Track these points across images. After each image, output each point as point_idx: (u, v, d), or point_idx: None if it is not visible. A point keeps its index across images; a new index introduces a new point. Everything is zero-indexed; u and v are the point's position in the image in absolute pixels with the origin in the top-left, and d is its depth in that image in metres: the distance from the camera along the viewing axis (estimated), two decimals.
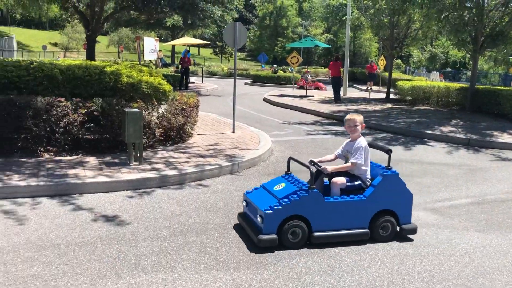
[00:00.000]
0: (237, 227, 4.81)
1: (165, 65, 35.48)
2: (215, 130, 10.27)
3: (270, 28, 66.94)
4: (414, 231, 4.70)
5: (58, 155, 7.05)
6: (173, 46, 40.24)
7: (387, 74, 22.12)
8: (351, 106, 16.93)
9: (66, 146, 7.18)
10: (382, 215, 4.58)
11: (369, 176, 4.76)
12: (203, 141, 8.81)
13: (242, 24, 10.28)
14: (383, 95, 20.90)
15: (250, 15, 79.18)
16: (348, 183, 4.67)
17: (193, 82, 26.15)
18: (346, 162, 4.81)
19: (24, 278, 3.56)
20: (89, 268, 3.77)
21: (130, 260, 3.94)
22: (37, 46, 54.95)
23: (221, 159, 7.36)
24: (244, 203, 4.85)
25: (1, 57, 24.16)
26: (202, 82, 27.40)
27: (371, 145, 4.99)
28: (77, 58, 45.21)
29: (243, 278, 3.71)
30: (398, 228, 4.69)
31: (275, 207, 4.29)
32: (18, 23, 69.88)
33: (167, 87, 8.55)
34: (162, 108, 8.34)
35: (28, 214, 4.93)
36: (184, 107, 8.62)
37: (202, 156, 7.46)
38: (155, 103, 8.11)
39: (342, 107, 16.37)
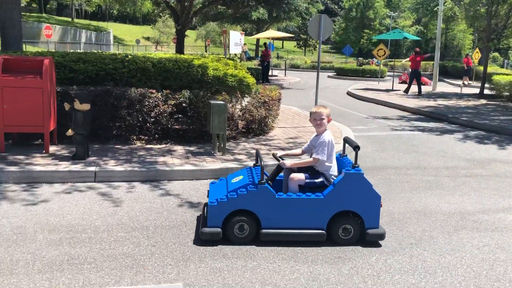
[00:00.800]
0: None
1: (249, 58, 36.05)
2: (296, 123, 10.30)
3: (356, 20, 65.35)
4: (380, 236, 4.28)
5: (149, 143, 7.48)
6: (257, 40, 40.73)
7: (481, 68, 20.71)
8: (440, 102, 16.11)
9: (156, 135, 7.60)
10: (344, 216, 4.24)
11: (334, 173, 4.49)
12: (284, 134, 8.87)
13: (327, 17, 10.18)
14: (477, 90, 19.62)
15: (336, 7, 77.85)
16: (308, 180, 4.42)
17: (276, 75, 26.33)
18: (311, 157, 4.54)
19: (116, 256, 3.85)
20: (174, 250, 3.99)
21: (212, 245, 4.11)
22: (131, 40, 58.34)
23: None
24: (207, 193, 4.75)
25: (100, 51, 25.89)
26: (285, 75, 27.51)
27: (344, 139, 4.74)
28: (167, 51, 47.33)
29: (320, 271, 3.72)
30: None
31: (220, 200, 4.18)
32: (114, 19, 74.67)
33: (251, 80, 8.72)
34: (245, 101, 8.52)
35: (121, 197, 5.32)
36: (267, 100, 8.74)
37: (282, 149, 7.53)
38: (239, 96, 8.31)
39: (431, 102, 15.62)
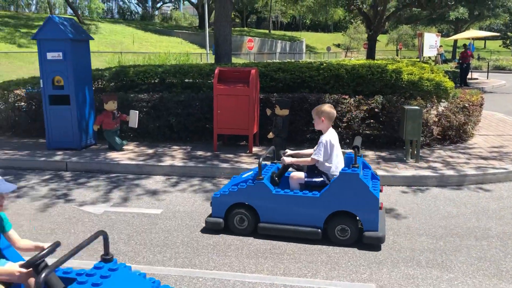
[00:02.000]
0: None
1: (445, 61, 33.69)
2: (500, 131, 9.33)
3: None
4: (378, 240, 4.11)
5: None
6: (455, 41, 37.77)
7: None
8: None
9: (347, 140, 7.78)
10: (341, 216, 4.19)
11: (336, 173, 4.32)
12: (486, 143, 8.14)
13: None
14: None
15: None
16: (307, 179, 4.46)
17: (476, 78, 24.07)
18: None
19: (313, 251, 4.13)
20: (366, 253, 4.09)
21: (405, 252, 4.08)
22: (322, 48, 60.04)
23: (507, 163, 6.69)
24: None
25: (293, 60, 27.25)
26: (487, 78, 24.93)
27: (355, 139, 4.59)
28: (357, 57, 47.34)
29: None
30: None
31: (223, 193, 4.48)
32: (307, 28, 77.84)
33: (449, 84, 8.25)
34: (442, 106, 8.09)
35: None
36: (466, 105, 8.14)
37: (484, 158, 6.94)
38: (435, 100, 7.94)
39: None
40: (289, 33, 63.56)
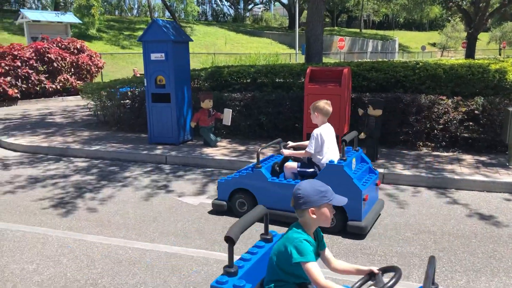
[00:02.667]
0: None
1: None
2: None
3: None
4: (361, 229, 4.34)
5: (435, 150, 7.41)
6: None
7: None
8: None
9: (443, 143, 7.47)
10: None
11: None
12: None
13: None
14: None
15: None
16: (299, 169, 4.75)
17: None
18: None
19: (404, 253, 4.05)
20: (462, 259, 3.93)
21: (507, 261, 3.87)
22: (416, 47, 57.62)
23: None
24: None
25: (385, 59, 26.54)
26: None
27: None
28: (454, 57, 44.83)
29: None
30: None
31: (227, 178, 4.98)
32: (400, 27, 75.07)
33: None
34: None
35: (408, 200, 5.50)
36: None
37: None
38: None
39: None
40: (381, 32, 61.75)
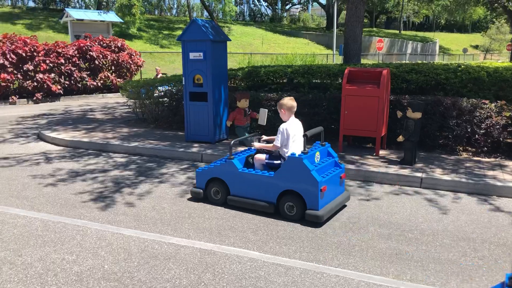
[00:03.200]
0: None
1: None
2: None
3: None
4: (317, 217, 4.64)
5: (476, 155, 7.19)
6: None
7: None
8: None
9: (485, 148, 7.24)
10: (290, 195, 4.81)
11: None
12: None
13: None
14: None
15: None
16: (267, 160, 5.18)
17: None
18: None
19: (442, 260, 3.95)
20: (504, 268, 3.80)
21: None
22: (457, 49, 56.04)
23: None
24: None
25: (424, 61, 25.93)
26: None
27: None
28: (498, 60, 43.34)
29: None
30: None
31: (204, 168, 5.40)
32: (441, 28, 73.24)
33: None
34: None
35: (447, 205, 5.36)
36: None
37: None
38: None
39: None
40: (421, 34, 60.40)
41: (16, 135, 9.87)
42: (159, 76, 16.26)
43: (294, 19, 61.92)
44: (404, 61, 28.91)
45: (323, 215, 4.66)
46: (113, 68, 18.65)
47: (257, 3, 56.28)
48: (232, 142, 5.31)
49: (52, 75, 16.38)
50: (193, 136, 8.31)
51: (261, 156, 5.25)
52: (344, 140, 7.83)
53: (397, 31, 57.78)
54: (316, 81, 9.01)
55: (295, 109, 5.12)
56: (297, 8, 64.90)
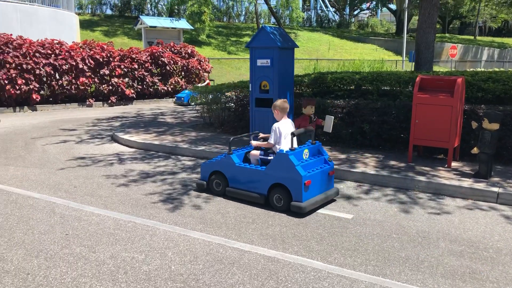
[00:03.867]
0: None
1: None
2: None
3: None
4: (300, 209, 5.07)
5: None
6: None
7: None
8: None
9: None
10: (279, 187, 5.26)
11: None
12: None
13: None
14: None
15: None
16: (261, 156, 5.70)
17: None
18: None
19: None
20: None
21: None
22: None
23: None
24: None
25: (502, 68, 24.53)
26: None
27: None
28: None
29: None
30: None
31: (207, 162, 5.98)
32: None
33: None
34: None
35: None
36: None
37: None
38: None
39: None
40: (498, 39, 57.09)
41: (92, 136, 10.45)
42: (205, 84, 17.38)
43: (362, 25, 60.78)
44: (479, 69, 27.43)
45: (306, 207, 5.11)
46: (183, 73, 19.27)
47: (325, 9, 55.84)
48: (232, 138, 5.85)
49: (126, 79, 17.21)
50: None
51: (256, 152, 5.83)
52: (414, 150, 7.56)
53: (472, 37, 55.00)
54: (386, 88, 8.77)
55: (288, 110, 5.77)
56: (365, 14, 63.69)
